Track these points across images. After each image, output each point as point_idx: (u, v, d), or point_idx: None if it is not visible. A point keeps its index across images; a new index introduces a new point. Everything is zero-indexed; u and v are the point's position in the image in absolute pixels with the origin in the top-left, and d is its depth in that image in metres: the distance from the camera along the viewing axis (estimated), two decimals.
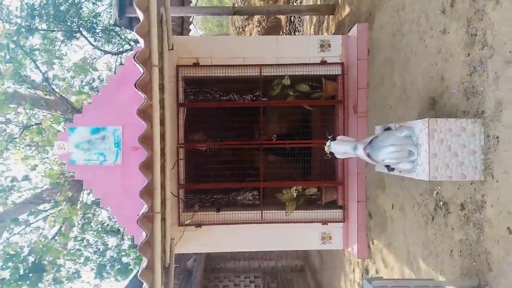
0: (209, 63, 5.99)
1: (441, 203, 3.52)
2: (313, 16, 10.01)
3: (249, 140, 6.50)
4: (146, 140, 2.93)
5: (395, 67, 4.72)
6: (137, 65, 2.74)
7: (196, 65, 5.95)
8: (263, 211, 5.99)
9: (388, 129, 3.67)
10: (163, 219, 4.86)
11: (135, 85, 2.71)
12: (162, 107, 4.87)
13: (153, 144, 3.04)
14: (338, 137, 3.82)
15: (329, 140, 3.81)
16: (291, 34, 13.70)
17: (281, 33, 14.84)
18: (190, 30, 9.26)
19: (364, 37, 5.72)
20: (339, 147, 3.71)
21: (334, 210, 6.07)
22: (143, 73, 2.82)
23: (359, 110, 5.75)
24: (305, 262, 10.20)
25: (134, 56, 2.77)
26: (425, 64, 3.90)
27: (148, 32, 3.10)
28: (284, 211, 6.03)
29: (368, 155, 3.40)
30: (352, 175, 5.92)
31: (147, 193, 3.00)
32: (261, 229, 6.00)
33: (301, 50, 6.05)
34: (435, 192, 3.62)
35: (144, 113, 2.95)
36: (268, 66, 6.00)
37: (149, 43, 3.05)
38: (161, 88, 4.89)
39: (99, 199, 5.33)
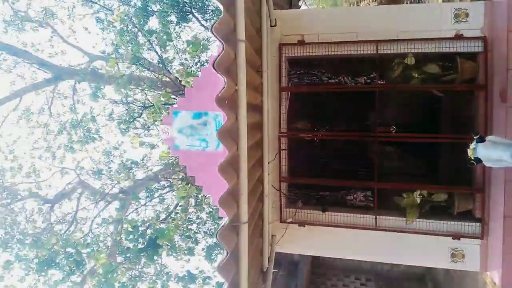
0: (316, 40, 5.21)
1: None
2: None
3: (362, 131, 5.58)
4: (226, 135, 2.42)
5: None
6: (216, 38, 2.21)
7: (301, 42, 5.23)
8: (377, 216, 5.07)
9: None
10: (261, 217, 4.38)
11: (213, 65, 2.18)
12: (260, 92, 4.34)
13: (239, 141, 2.51)
14: (489, 138, 2.74)
15: (475, 141, 2.75)
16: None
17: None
18: (299, 7, 8.52)
19: None
20: (490, 152, 2.65)
21: (470, 223, 4.81)
22: (223, 49, 2.27)
23: (510, 98, 4.33)
24: (427, 271, 8.81)
25: (212, 28, 2.23)
26: None
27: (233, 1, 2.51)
28: (403, 218, 5.01)
29: None
30: (497, 180, 4.56)
31: (232, 198, 2.51)
32: (374, 237, 5.10)
33: (429, 21, 4.84)
34: None
35: (228, 101, 2.43)
36: (386, 42, 4.95)
37: (234, 13, 2.46)
38: (259, 70, 4.34)
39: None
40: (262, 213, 4.35)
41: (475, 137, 2.76)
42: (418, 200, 5.01)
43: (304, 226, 5.28)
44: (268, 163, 4.88)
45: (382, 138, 5.17)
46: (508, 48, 4.30)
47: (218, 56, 2.26)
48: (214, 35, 2.25)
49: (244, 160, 2.57)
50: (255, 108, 4.32)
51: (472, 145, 2.78)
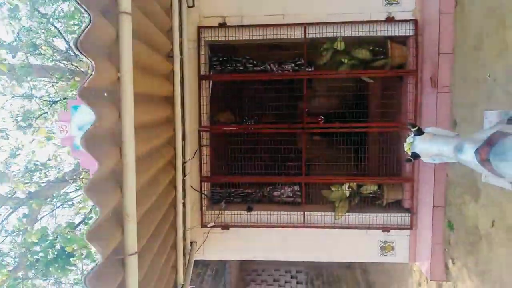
0: (239, 22, 4.66)
1: None
2: None
3: (290, 121, 5.19)
4: (102, 140, 1.76)
5: (507, 20, 3.14)
6: (79, 5, 1.52)
7: (222, 25, 4.65)
8: (305, 213, 4.73)
9: None
10: (174, 227, 3.78)
11: (75, 45, 1.50)
12: (171, 81, 3.70)
13: (123, 146, 1.85)
14: (427, 129, 2.41)
15: (412, 134, 2.42)
16: None
17: None
18: None
19: None
20: (429, 146, 2.32)
21: (399, 214, 4.68)
22: (91, 23, 1.59)
23: (440, 83, 4.20)
24: None
25: None
26: None
27: None
28: (333, 213, 4.74)
29: (484, 163, 1.99)
30: (426, 169, 4.45)
31: (112, 224, 1.87)
32: (303, 235, 4.78)
33: (360, 3, 4.53)
34: None
35: (108, 93, 1.76)
36: (315, 25, 4.56)
37: None
38: (170, 56, 3.70)
39: None
40: (175, 222, 3.75)
41: (412, 130, 2.41)
42: (347, 194, 4.77)
43: (228, 229, 4.79)
44: (185, 162, 4.28)
45: (311, 130, 4.82)
46: (439, 31, 4.12)
47: (83, 32, 1.58)
48: (77, 2, 1.57)
49: (131, 170, 1.93)
50: (167, 100, 3.67)
51: (408, 139, 2.45)
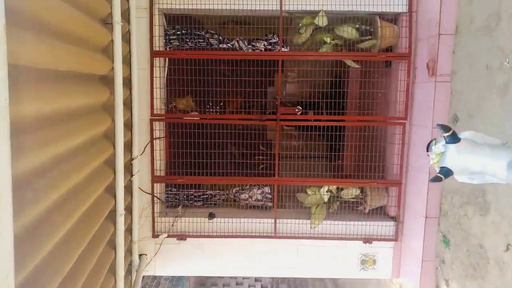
0: None
1: None
2: None
3: (260, 111, 4.42)
4: None
5: None
6: None
7: None
8: (277, 221, 4.02)
9: None
10: (113, 244, 2.95)
11: None
12: (111, 57, 2.81)
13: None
14: (465, 134, 1.70)
15: (443, 141, 1.70)
16: None
17: None
18: None
19: None
20: (468, 159, 1.62)
21: (383, 223, 4.07)
22: None
23: (439, 70, 3.55)
24: None
25: None
26: None
27: None
28: (308, 220, 4.05)
29: None
30: (416, 171, 3.85)
31: None
32: (273, 247, 4.07)
33: None
34: None
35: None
36: None
37: None
38: (108, 22, 2.79)
39: None
40: (114, 239, 2.91)
41: (444, 134, 1.68)
42: (326, 198, 4.09)
43: (185, 239, 4.00)
44: (132, 160, 3.42)
45: (285, 122, 4.07)
46: (440, 8, 3.44)
47: None
48: None
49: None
50: (102, 81, 2.77)
51: (436, 148, 1.72)
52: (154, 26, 3.81)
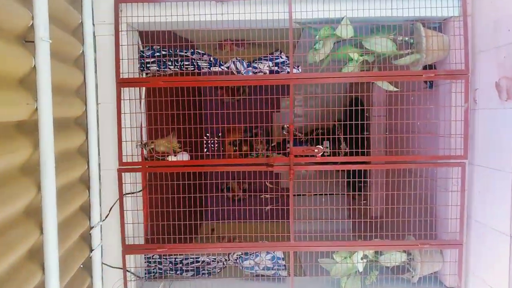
0: None
1: None
2: None
3: (265, 137, 3.40)
4: None
5: None
6: None
7: None
8: None
9: None
10: None
11: None
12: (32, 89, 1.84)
13: None
14: None
15: None
16: None
17: None
18: None
19: None
20: None
21: None
22: None
23: None
24: None
25: None
26: None
27: None
28: None
29: None
30: (484, 228, 2.78)
31: None
32: None
33: None
34: None
35: None
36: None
37: None
38: (28, 40, 1.83)
39: None
40: None
41: None
42: (361, 267, 3.02)
43: None
44: (91, 228, 2.40)
45: (300, 167, 3.04)
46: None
47: None
48: None
49: None
50: (20, 129, 1.79)
51: None
52: (120, 47, 2.85)
